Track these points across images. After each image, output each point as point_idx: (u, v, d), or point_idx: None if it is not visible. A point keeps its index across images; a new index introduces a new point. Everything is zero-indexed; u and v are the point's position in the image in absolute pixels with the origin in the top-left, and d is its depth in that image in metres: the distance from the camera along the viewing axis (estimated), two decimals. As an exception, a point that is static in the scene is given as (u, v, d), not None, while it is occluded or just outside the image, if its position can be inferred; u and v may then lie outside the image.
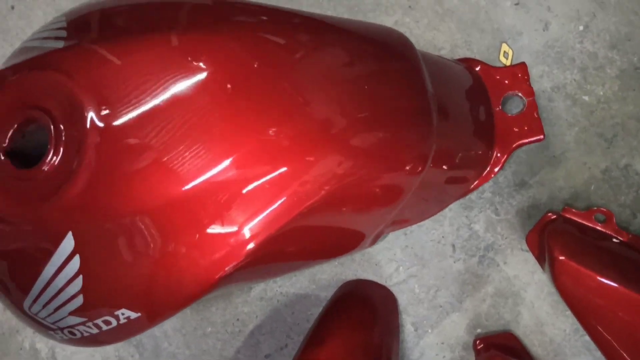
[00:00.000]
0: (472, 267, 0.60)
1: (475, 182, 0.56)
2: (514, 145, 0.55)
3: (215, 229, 0.39)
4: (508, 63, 0.62)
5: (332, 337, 0.56)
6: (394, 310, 0.61)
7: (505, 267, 0.59)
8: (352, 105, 0.43)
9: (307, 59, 0.43)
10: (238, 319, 0.70)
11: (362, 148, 0.43)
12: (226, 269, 0.39)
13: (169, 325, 0.74)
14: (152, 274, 0.40)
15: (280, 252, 0.45)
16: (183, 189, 0.38)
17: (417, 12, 0.66)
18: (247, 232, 0.39)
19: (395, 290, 0.63)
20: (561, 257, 0.51)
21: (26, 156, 0.41)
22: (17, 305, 0.44)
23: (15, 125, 0.40)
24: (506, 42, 0.62)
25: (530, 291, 0.58)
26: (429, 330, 0.61)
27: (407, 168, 0.46)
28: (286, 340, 0.67)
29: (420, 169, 0.47)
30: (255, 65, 0.41)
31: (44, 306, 0.42)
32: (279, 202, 0.39)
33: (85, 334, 0.43)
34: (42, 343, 0.82)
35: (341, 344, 0.55)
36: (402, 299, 0.63)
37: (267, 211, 0.39)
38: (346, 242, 0.54)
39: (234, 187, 0.39)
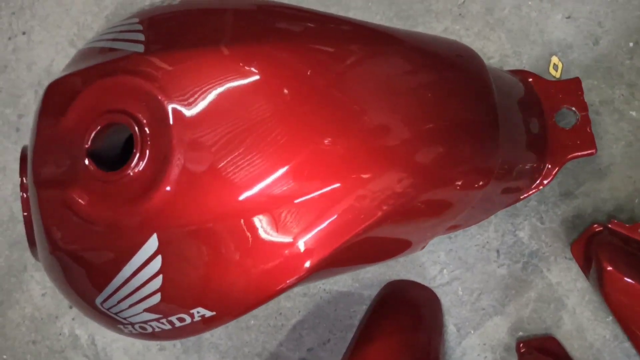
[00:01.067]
0: (516, 273, 0.62)
1: (526, 194, 0.58)
2: (567, 158, 0.57)
3: (278, 247, 0.40)
4: (557, 76, 0.63)
5: (380, 339, 0.58)
6: (438, 311, 0.63)
7: (548, 273, 0.61)
8: (414, 116, 0.44)
9: (363, 69, 0.44)
10: (281, 313, 0.72)
11: (425, 163, 0.44)
12: (288, 281, 0.41)
13: (211, 317, 0.76)
14: (232, 280, 0.41)
15: (333, 264, 0.46)
16: (239, 199, 0.39)
17: (467, 20, 0.67)
18: (303, 248, 0.40)
19: (438, 292, 0.65)
20: (609, 268, 0.53)
21: (96, 156, 0.42)
22: (87, 300, 0.45)
23: (99, 128, 0.41)
24: (556, 55, 0.64)
25: (573, 298, 0.60)
26: (471, 332, 0.63)
27: (472, 183, 0.48)
28: (329, 336, 0.69)
29: (484, 183, 0.48)
30: (308, 72, 0.41)
31: (119, 302, 0.43)
32: (333, 219, 0.40)
33: (157, 330, 0.45)
34: (82, 329, 0.84)
35: (389, 345, 0.57)
36: (445, 301, 0.65)
37: (324, 229, 0.40)
38: (398, 249, 0.55)
39: (289, 201, 0.40)
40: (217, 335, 0.74)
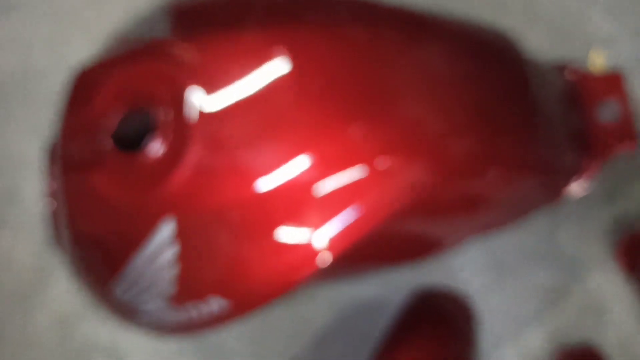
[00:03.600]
0: (554, 279, 0.58)
1: (565, 192, 0.55)
2: (608, 154, 0.53)
3: (297, 236, 0.39)
4: (599, 70, 0.60)
5: (409, 349, 0.55)
6: (472, 320, 0.60)
7: (589, 280, 0.57)
8: (447, 108, 0.43)
9: (397, 56, 0.43)
10: (305, 320, 0.69)
11: (454, 154, 0.42)
12: (303, 273, 0.39)
13: (235, 327, 0.75)
14: (250, 267, 0.40)
15: (354, 258, 0.44)
16: (260, 186, 0.38)
17: (505, 14, 0.65)
18: (327, 242, 0.39)
19: (472, 299, 0.62)
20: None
21: (123, 142, 0.42)
22: (103, 288, 0.45)
23: (125, 112, 0.41)
24: (597, 50, 0.61)
25: (615, 305, 0.56)
26: (507, 341, 0.59)
27: (502, 176, 0.45)
28: (353, 343, 0.66)
29: (516, 176, 0.46)
30: (340, 61, 0.41)
31: (135, 289, 0.43)
32: (358, 210, 0.39)
33: (173, 320, 0.44)
34: (106, 330, 0.83)
35: (419, 356, 0.54)
36: (478, 308, 0.61)
37: (345, 220, 0.39)
38: (426, 248, 0.53)
39: (312, 191, 0.39)
40: (239, 341, 0.73)
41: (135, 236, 0.41)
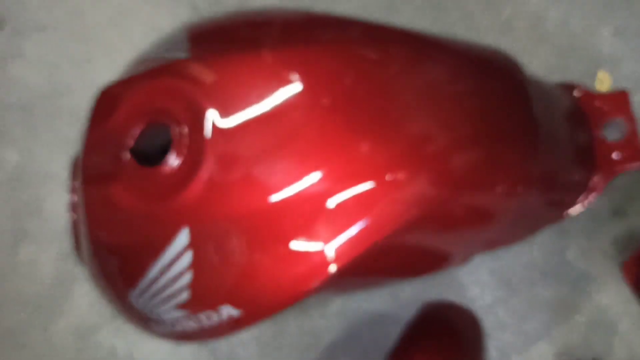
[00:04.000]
0: (563, 295, 0.59)
1: (571, 208, 0.56)
2: (614, 171, 0.54)
3: (305, 248, 0.40)
4: (605, 90, 0.61)
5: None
6: (479, 335, 0.60)
7: (597, 296, 0.57)
8: (451, 123, 0.44)
9: (404, 75, 0.44)
10: (314, 333, 0.70)
11: (460, 167, 0.44)
12: (312, 284, 0.40)
13: (246, 334, 0.76)
14: (258, 279, 0.42)
15: (362, 269, 0.46)
16: (271, 200, 0.40)
17: (511, 36, 0.67)
18: (332, 253, 0.40)
19: (479, 314, 0.62)
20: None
21: (142, 156, 0.44)
22: (121, 297, 0.47)
23: (141, 127, 0.44)
24: (603, 70, 0.62)
25: (625, 322, 0.56)
26: (514, 357, 0.59)
27: (511, 189, 0.46)
28: (362, 357, 0.67)
29: (521, 190, 0.47)
30: (349, 80, 0.42)
31: (151, 298, 0.44)
32: (365, 222, 0.40)
33: (186, 329, 0.45)
34: (122, 340, 0.85)
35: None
36: (487, 323, 0.61)
37: (353, 231, 0.40)
38: (434, 262, 0.54)
39: (321, 204, 0.40)
40: (249, 351, 0.74)
41: (151, 246, 0.43)
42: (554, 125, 0.54)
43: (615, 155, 0.54)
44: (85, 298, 0.91)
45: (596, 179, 0.55)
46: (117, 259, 0.46)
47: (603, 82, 0.61)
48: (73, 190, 0.51)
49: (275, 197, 0.40)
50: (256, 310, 0.43)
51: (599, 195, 0.55)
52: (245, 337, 0.75)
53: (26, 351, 0.98)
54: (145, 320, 0.47)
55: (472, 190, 0.44)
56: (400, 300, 0.66)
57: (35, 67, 1.15)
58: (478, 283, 0.62)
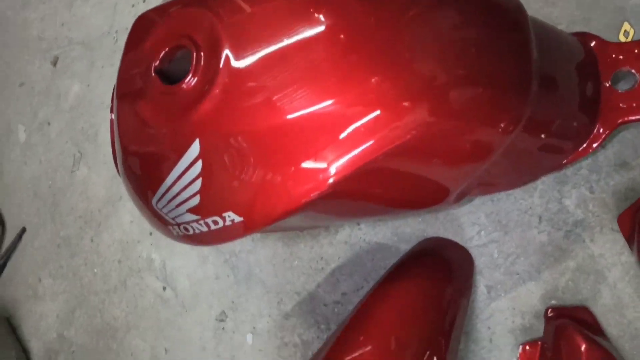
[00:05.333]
0: (557, 241, 0.60)
1: (571, 156, 0.56)
2: (619, 122, 0.54)
3: (308, 165, 0.44)
4: (627, 41, 0.60)
5: (405, 283, 0.59)
6: (469, 272, 0.63)
7: (591, 244, 0.58)
8: (455, 63, 0.46)
9: (421, 18, 0.47)
10: (322, 258, 0.76)
11: (457, 101, 0.46)
12: (311, 195, 0.44)
13: (262, 254, 0.83)
14: (255, 189, 0.46)
15: (364, 191, 0.50)
16: (287, 118, 0.44)
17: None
18: (333, 169, 0.44)
19: (474, 253, 0.65)
20: (652, 237, 0.50)
21: (169, 78, 0.49)
22: (146, 201, 0.53)
23: (167, 49, 0.49)
24: (628, 22, 0.61)
25: (615, 271, 0.57)
26: (502, 295, 0.62)
27: (498, 126, 0.48)
28: (363, 283, 0.72)
29: (511, 129, 0.48)
30: (371, 21, 0.45)
31: (168, 202, 0.50)
32: (368, 144, 0.43)
33: (197, 231, 0.51)
34: (157, 254, 0.95)
35: (412, 289, 0.58)
36: (480, 262, 0.64)
37: (355, 152, 0.44)
38: (429, 195, 0.57)
39: (331, 129, 0.43)
40: (264, 271, 0.81)
41: (169, 156, 0.49)
42: (560, 71, 0.54)
43: (621, 106, 0.54)
44: (128, 216, 1.02)
45: (598, 129, 0.55)
46: (142, 166, 0.53)
47: (628, 34, 0.60)
48: (112, 110, 0.58)
49: (288, 117, 0.44)
50: (256, 218, 0.49)
51: (599, 146, 0.55)
52: (262, 259, 0.82)
53: (76, 259, 1.11)
54: (165, 224, 0.53)
55: (467, 122, 0.47)
56: (401, 235, 0.70)
57: (97, 7, 1.25)
58: (476, 224, 0.65)
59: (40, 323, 1.14)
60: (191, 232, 0.52)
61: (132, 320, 0.96)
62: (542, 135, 0.54)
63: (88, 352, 1.03)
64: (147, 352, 0.94)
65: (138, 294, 0.96)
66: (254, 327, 0.81)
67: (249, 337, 0.81)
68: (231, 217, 0.48)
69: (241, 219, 0.48)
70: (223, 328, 0.84)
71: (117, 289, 0.99)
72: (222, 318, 0.84)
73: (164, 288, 0.92)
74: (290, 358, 0.77)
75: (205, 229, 0.50)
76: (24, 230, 1.20)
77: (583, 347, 0.51)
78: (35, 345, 1.13)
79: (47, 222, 1.15)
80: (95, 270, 1.02)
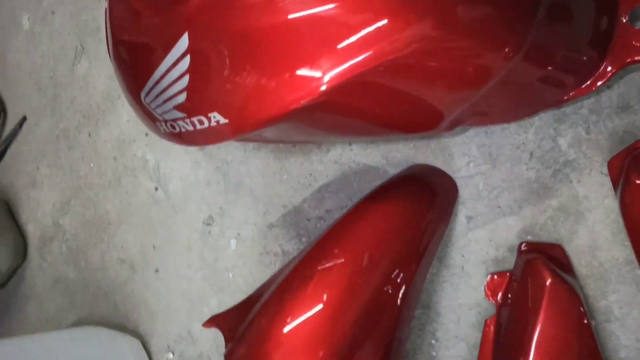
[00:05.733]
0: (544, 178, 0.60)
1: (573, 92, 0.54)
2: (628, 60, 0.51)
3: (302, 72, 0.43)
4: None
5: (385, 203, 0.60)
6: (452, 201, 0.63)
7: (578, 185, 0.58)
8: None
9: None
10: (311, 174, 0.76)
11: (462, 18, 0.44)
12: (301, 102, 0.43)
13: (254, 165, 0.83)
14: (244, 92, 0.45)
15: (356, 106, 0.48)
16: (287, 18, 0.42)
17: None
18: (327, 77, 0.42)
19: (460, 183, 0.65)
20: (637, 181, 0.49)
21: None
22: (135, 95, 0.53)
23: None
24: (662, -47, 0.56)
25: (596, 214, 0.57)
26: (481, 226, 0.63)
27: (500, 50, 0.46)
28: (347, 202, 0.73)
29: (511, 54, 0.46)
30: None
31: (156, 97, 0.50)
32: (366, 54, 0.42)
33: (183, 130, 0.51)
34: (152, 155, 0.96)
35: (391, 209, 0.59)
36: (464, 192, 0.64)
37: (352, 61, 0.42)
38: (422, 118, 0.56)
39: (331, 35, 0.42)
40: (254, 182, 0.82)
41: (158, 48, 0.48)
42: (575, 3, 0.51)
43: (635, 44, 0.52)
44: (126, 115, 1.02)
45: (606, 67, 0.52)
46: (131, 58, 0.52)
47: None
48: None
49: (289, 18, 0.42)
50: (241, 122, 0.48)
51: (604, 84, 0.53)
52: (253, 170, 0.82)
53: (74, 152, 1.12)
54: (153, 120, 0.53)
55: (469, 41, 0.45)
56: (391, 160, 0.69)
57: None
58: (466, 155, 0.64)
59: (37, 209, 1.18)
60: (177, 130, 0.51)
61: (124, 216, 0.99)
62: (545, 66, 0.51)
63: (80, 241, 1.07)
64: (136, 246, 0.98)
65: (131, 191, 0.98)
66: (238, 234, 0.83)
67: (233, 243, 0.83)
68: (216, 117, 0.47)
69: (226, 121, 0.47)
70: (209, 232, 0.86)
71: (111, 185, 1.01)
72: (209, 222, 0.86)
73: (156, 188, 0.94)
74: (270, 265, 0.80)
75: (191, 127, 0.50)
76: (24, 118, 1.21)
77: (548, 282, 0.52)
78: (31, 230, 1.17)
79: (47, 113, 1.16)
80: (92, 164, 1.03)
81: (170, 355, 0.92)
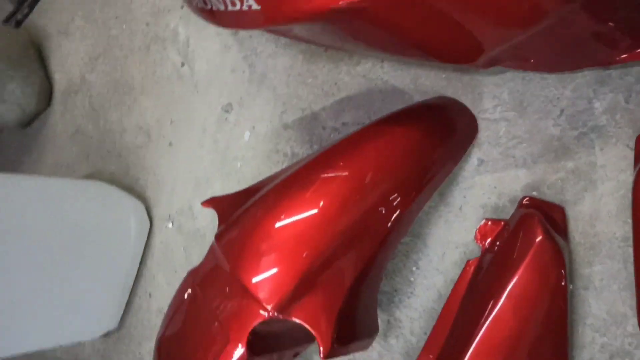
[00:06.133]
0: (567, 139, 0.58)
1: (625, 55, 0.51)
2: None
3: None
4: None
5: (402, 127, 0.59)
6: (468, 141, 0.62)
7: (600, 153, 0.56)
8: None
9: None
10: (336, 84, 0.75)
11: None
12: (340, 3, 0.42)
13: (281, 62, 0.82)
14: None
15: (397, 22, 0.46)
16: None
17: None
18: None
19: (481, 125, 0.63)
20: (658, 163, 0.48)
21: None
22: None
23: None
24: None
25: (607, 185, 0.55)
26: (490, 172, 0.62)
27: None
28: (365, 119, 0.72)
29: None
30: None
31: None
32: None
33: (214, 8, 0.49)
34: (183, 29, 0.94)
35: (404, 138, 0.58)
36: (483, 135, 0.63)
37: None
38: (461, 48, 0.53)
39: None
40: (278, 79, 0.81)
41: None
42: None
43: None
44: (166, -19, 0.99)
45: (667, 34, 0.49)
46: None
47: None
48: None
49: None
50: (274, 13, 0.46)
51: (659, 53, 0.50)
52: (279, 66, 0.81)
53: (109, 9, 1.10)
54: None
55: None
56: (419, 86, 0.67)
57: None
58: (496, 98, 0.62)
59: (67, 60, 1.19)
60: (209, 6, 0.50)
61: (147, 85, 1.00)
62: (604, 21, 0.48)
63: (104, 99, 1.09)
64: (155, 117, 0.99)
65: (158, 61, 0.97)
66: (253, 127, 0.83)
67: (247, 134, 0.84)
68: (249, 2, 0.46)
69: (259, 7, 0.46)
70: (226, 119, 0.87)
71: (140, 50, 1.01)
72: (227, 109, 0.86)
73: (183, 64, 0.93)
74: (278, 164, 0.81)
75: (222, 7, 0.49)
76: (66, -36, 1.18)
77: (538, 239, 0.52)
78: (58, 79, 1.19)
79: (89, -37, 1.13)
80: (124, 26, 1.02)
81: (170, 225, 0.97)
